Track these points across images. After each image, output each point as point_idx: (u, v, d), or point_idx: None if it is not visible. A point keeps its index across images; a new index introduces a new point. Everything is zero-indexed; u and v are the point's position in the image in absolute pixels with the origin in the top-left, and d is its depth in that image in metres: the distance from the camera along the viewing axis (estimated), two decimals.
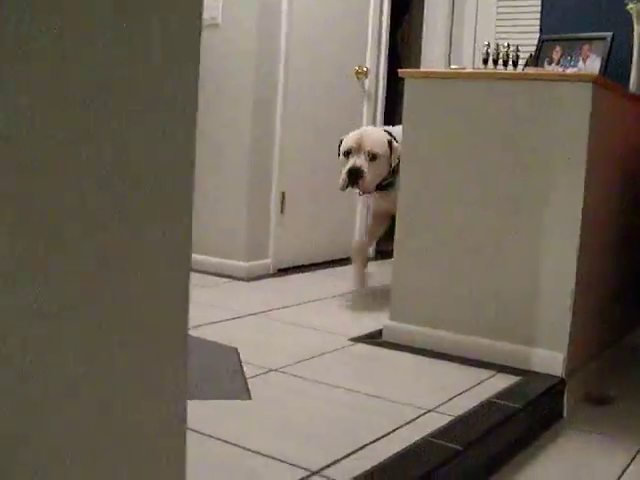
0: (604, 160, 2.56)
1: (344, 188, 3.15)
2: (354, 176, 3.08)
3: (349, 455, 1.76)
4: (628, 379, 2.84)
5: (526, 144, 2.43)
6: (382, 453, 1.76)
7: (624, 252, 2.93)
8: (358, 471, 1.66)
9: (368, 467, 1.68)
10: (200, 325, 2.82)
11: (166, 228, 0.95)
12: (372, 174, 3.12)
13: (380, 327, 2.77)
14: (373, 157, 3.10)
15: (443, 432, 1.92)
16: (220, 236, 3.89)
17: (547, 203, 2.41)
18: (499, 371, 2.44)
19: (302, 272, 4.03)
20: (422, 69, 2.72)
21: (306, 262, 4.15)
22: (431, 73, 2.60)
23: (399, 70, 2.66)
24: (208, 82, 3.88)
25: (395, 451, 1.77)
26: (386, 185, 3.26)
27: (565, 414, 2.42)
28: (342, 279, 3.75)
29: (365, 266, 3.49)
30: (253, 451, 1.75)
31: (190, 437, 1.79)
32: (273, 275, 3.91)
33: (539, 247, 2.43)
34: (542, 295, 2.44)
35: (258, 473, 1.65)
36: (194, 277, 3.62)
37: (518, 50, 2.67)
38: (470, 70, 2.56)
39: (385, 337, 2.71)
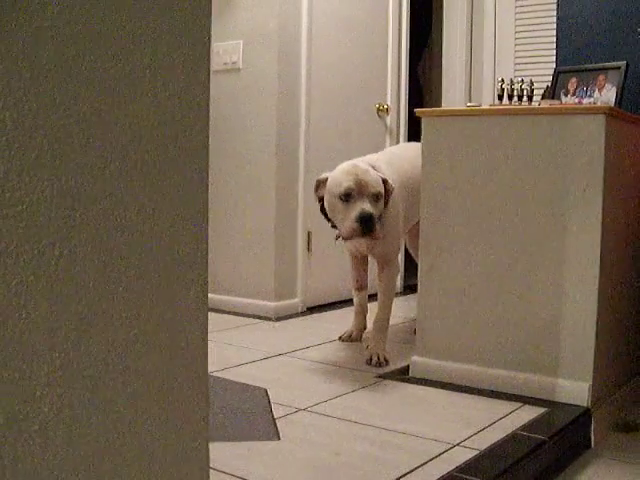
0: (621, 189, 2.58)
1: (352, 237, 2.78)
2: (369, 223, 2.70)
3: None
4: None
5: (543, 177, 2.46)
6: None
7: None
8: None
9: None
10: (230, 367, 2.88)
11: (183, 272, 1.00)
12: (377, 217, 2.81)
13: (408, 363, 2.80)
14: (376, 199, 2.78)
15: (468, 466, 1.94)
16: (249, 277, 3.95)
17: (567, 234, 2.43)
18: (525, 403, 2.45)
19: (331, 310, 4.07)
20: (437, 108, 2.76)
21: (335, 299, 4.19)
22: (446, 111, 2.65)
23: (416, 110, 2.71)
24: (231, 125, 3.97)
25: None
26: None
27: (593, 444, 2.42)
28: (371, 315, 3.78)
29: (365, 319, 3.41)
30: None
31: (218, 477, 1.85)
32: (302, 314, 3.96)
33: (561, 278, 2.45)
34: (566, 326, 2.45)
35: None
36: (224, 318, 3.74)
37: (532, 84, 2.71)
38: (484, 107, 2.61)
39: (412, 373, 2.74)
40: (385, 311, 3.03)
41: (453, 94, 4.88)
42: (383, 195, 2.83)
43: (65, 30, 0.82)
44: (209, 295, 3.77)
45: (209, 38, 1.02)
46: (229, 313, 3.94)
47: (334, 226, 2.92)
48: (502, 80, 2.76)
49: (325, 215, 2.95)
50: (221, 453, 2.02)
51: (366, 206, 2.72)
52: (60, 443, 0.85)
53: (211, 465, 1.91)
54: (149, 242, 0.96)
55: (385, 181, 2.87)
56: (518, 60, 4.97)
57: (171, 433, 1.02)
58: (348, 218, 2.74)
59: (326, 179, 2.89)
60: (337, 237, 2.92)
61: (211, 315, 3.90)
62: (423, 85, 6.07)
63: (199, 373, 1.07)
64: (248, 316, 3.86)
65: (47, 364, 0.83)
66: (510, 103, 2.69)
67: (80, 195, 0.86)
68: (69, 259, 0.85)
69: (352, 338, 3.36)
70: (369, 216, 2.70)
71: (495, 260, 2.57)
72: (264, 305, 3.86)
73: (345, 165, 2.89)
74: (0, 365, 0.78)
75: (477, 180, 2.58)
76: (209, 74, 1.03)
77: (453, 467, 1.93)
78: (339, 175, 2.82)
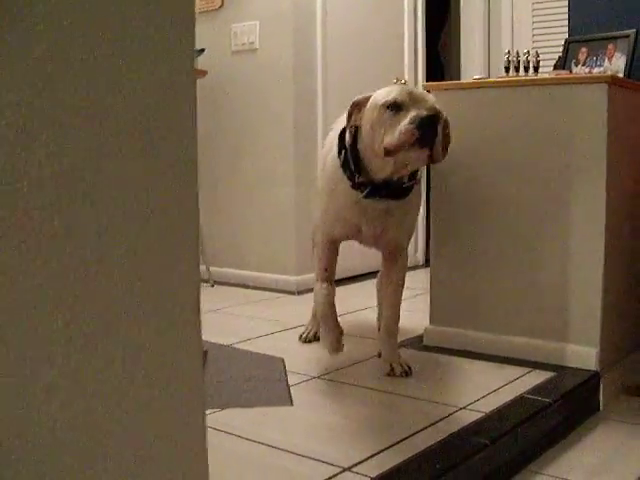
0: (628, 157, 2.62)
1: (404, 146, 2.06)
2: (429, 131, 2.05)
3: (380, 452, 1.87)
4: None
5: (548, 146, 2.51)
6: (410, 449, 1.87)
7: None
8: (387, 466, 1.77)
9: (397, 462, 1.79)
10: (251, 338, 2.98)
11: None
12: (439, 141, 2.12)
13: (421, 331, 2.88)
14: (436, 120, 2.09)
15: (473, 427, 2.02)
16: (272, 253, 4.06)
17: (572, 202, 2.48)
18: (535, 368, 2.52)
19: (352, 282, 4.15)
20: (445, 82, 2.81)
21: (353, 274, 4.27)
22: (452, 85, 2.70)
23: (423, 84, 2.76)
24: (249, 104, 4.06)
25: (423, 447, 1.88)
26: (406, 188, 2.31)
27: (602, 407, 2.47)
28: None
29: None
30: (289, 451, 1.88)
31: (231, 440, 1.95)
32: None
33: (568, 247, 2.50)
34: (574, 293, 2.51)
35: (292, 471, 1.78)
36: (248, 293, 3.85)
37: (538, 55, 2.75)
38: (490, 80, 2.65)
39: (426, 341, 2.82)
40: (396, 311, 2.53)
41: (472, 69, 4.90)
42: (444, 126, 2.17)
43: (60, 26, 0.90)
44: (235, 271, 3.84)
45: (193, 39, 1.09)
46: (255, 288, 4.08)
47: (356, 183, 2.27)
48: (508, 52, 2.79)
49: (354, 160, 2.26)
50: (238, 418, 2.12)
51: (424, 111, 2.07)
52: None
53: (228, 430, 2.03)
54: (142, 220, 1.04)
55: (446, 122, 2.21)
56: (536, 32, 4.98)
57: (167, 403, 1.10)
58: (399, 125, 2.07)
59: (368, 98, 2.22)
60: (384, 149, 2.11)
61: (236, 290, 4.02)
62: (444, 62, 6.08)
63: (193, 343, 1.15)
64: (272, 290, 3.99)
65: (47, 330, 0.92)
66: (517, 75, 2.73)
67: (77, 174, 0.94)
68: (66, 233, 0.93)
69: (315, 339, 2.92)
70: (431, 120, 2.06)
71: (504, 230, 2.63)
72: (286, 279, 3.96)
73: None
74: None
75: (484, 151, 2.63)
76: (193, 65, 1.11)
77: (458, 428, 2.01)
78: (386, 89, 2.20)
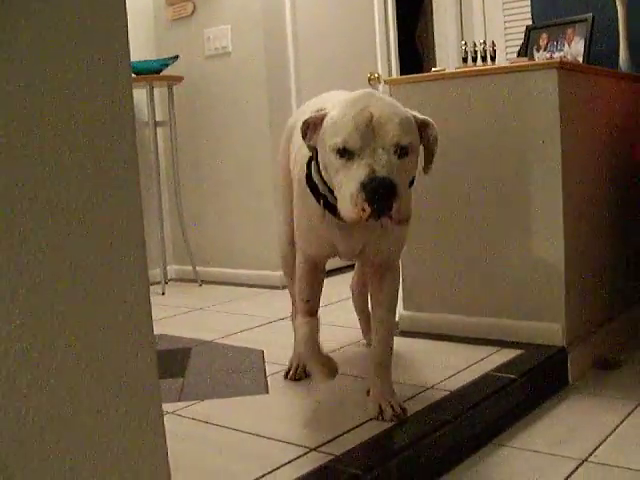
0: (584, 141, 2.71)
1: (355, 219, 1.66)
2: (385, 197, 1.62)
3: (347, 432, 1.96)
4: (637, 344, 2.97)
5: (506, 134, 2.60)
6: (376, 428, 1.96)
7: (620, 226, 3.06)
8: (350, 445, 1.87)
9: (357, 443, 1.89)
10: (232, 333, 3.08)
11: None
12: (405, 185, 1.71)
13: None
14: (403, 152, 1.69)
15: (437, 405, 2.11)
16: (255, 250, 4.16)
17: (532, 186, 2.57)
18: (503, 347, 2.61)
19: (335, 275, 4.24)
20: (405, 76, 2.90)
21: (336, 266, 4.34)
22: (412, 78, 2.79)
23: (385, 80, 2.85)
24: (225, 108, 4.16)
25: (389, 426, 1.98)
26: None
27: (571, 381, 2.57)
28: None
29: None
30: (263, 437, 1.98)
31: (210, 430, 2.06)
32: None
33: (529, 227, 2.60)
34: (538, 273, 2.60)
35: (265, 454, 1.87)
36: (235, 291, 3.96)
37: (494, 45, 2.84)
38: (447, 71, 2.74)
39: (400, 327, 2.91)
40: (389, 338, 2.10)
41: (447, 59, 5.00)
42: (417, 148, 1.78)
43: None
44: (222, 270, 3.93)
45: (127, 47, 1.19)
46: (241, 285, 4.19)
47: (328, 205, 1.88)
48: (465, 43, 2.89)
49: (314, 185, 1.91)
50: (215, 408, 2.23)
51: (380, 165, 1.64)
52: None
53: (207, 420, 2.13)
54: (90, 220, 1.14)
55: (425, 124, 1.85)
56: (507, 18, 5.07)
57: (123, 398, 1.19)
58: (347, 185, 1.66)
59: (322, 118, 1.80)
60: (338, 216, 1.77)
61: (223, 288, 4.10)
62: (422, 53, 6.17)
63: (145, 334, 1.24)
64: (258, 287, 4.09)
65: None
66: (474, 65, 2.82)
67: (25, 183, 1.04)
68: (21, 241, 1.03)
69: (305, 374, 2.43)
70: (386, 184, 1.61)
71: (469, 216, 2.72)
72: (272, 275, 4.06)
73: (353, 95, 1.80)
74: None
75: (445, 141, 2.71)
76: (130, 77, 1.20)
77: (423, 406, 2.10)
78: (340, 114, 1.74)
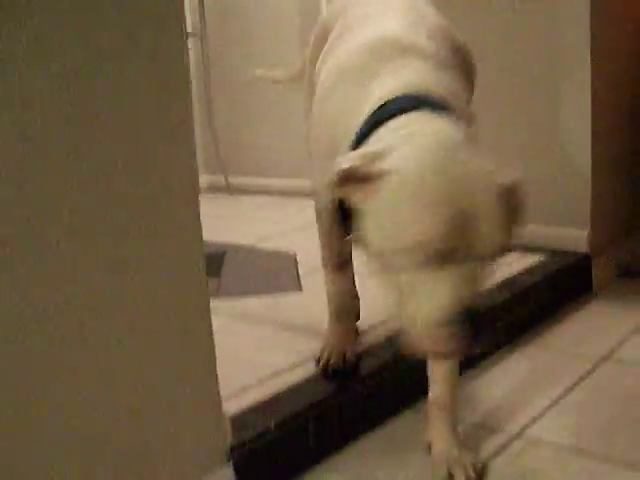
0: (616, 36, 2.70)
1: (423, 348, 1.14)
2: (471, 328, 1.07)
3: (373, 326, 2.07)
4: None
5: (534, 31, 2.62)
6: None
7: None
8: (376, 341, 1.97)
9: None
10: (266, 238, 3.19)
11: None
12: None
13: None
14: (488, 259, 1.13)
15: None
16: (288, 157, 4.23)
17: (562, 96, 2.59)
18: (527, 252, 2.65)
19: None
20: None
21: None
22: None
23: None
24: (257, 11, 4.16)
25: None
26: None
27: (594, 288, 2.63)
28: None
29: None
30: (297, 331, 2.09)
31: (246, 324, 2.17)
32: None
33: (556, 132, 2.62)
34: (564, 178, 2.63)
35: (299, 348, 1.96)
36: (266, 199, 4.04)
37: None
38: None
39: None
40: (453, 383, 1.56)
41: None
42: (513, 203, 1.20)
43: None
44: (255, 179, 3.98)
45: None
46: (272, 194, 4.29)
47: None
48: None
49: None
50: (251, 305, 2.34)
51: (464, 288, 1.08)
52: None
53: (243, 315, 2.23)
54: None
55: (514, 189, 1.22)
56: None
57: (175, 294, 1.29)
58: (423, 306, 1.09)
59: (378, 175, 1.13)
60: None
61: (254, 197, 4.18)
62: None
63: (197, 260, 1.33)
64: (289, 194, 4.19)
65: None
66: None
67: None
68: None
69: (345, 363, 1.80)
70: (471, 315, 1.07)
71: (497, 124, 2.75)
72: (303, 183, 4.13)
73: (432, 158, 1.13)
74: None
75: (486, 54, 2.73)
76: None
77: None
78: (415, 192, 1.10)
